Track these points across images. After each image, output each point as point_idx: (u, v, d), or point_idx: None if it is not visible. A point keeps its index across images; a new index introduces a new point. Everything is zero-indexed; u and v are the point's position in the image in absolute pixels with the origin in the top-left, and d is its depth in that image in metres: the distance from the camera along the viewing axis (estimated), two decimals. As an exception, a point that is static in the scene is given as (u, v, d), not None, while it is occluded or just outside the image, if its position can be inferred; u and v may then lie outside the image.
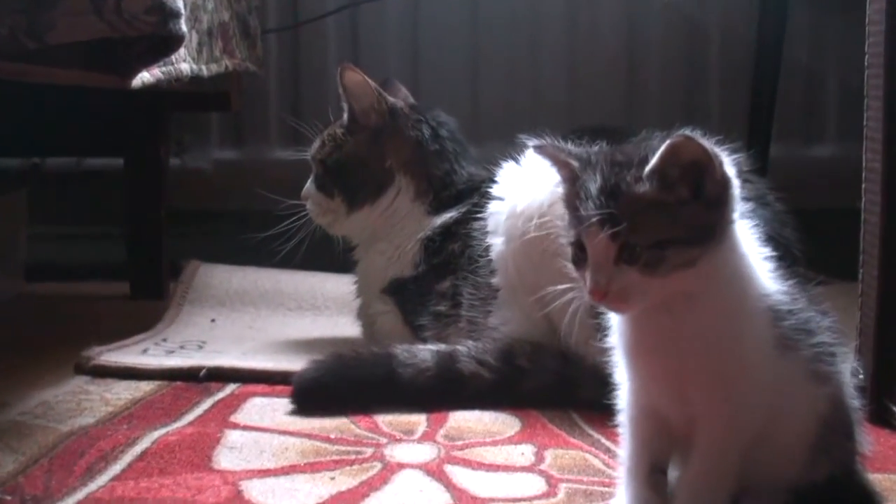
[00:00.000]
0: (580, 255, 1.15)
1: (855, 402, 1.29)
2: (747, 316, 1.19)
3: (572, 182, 1.18)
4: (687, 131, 1.12)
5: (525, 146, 1.21)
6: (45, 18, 1.30)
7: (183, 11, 1.39)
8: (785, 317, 1.21)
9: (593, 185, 1.14)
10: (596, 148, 1.21)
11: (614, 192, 1.13)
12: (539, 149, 1.20)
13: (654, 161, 1.12)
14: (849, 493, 1.27)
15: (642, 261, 1.12)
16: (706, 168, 1.13)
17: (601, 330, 1.27)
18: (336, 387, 1.76)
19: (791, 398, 1.21)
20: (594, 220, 1.12)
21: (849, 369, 1.30)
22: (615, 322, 1.23)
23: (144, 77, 1.74)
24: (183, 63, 1.95)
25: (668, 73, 3.02)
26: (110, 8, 1.31)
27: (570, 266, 1.20)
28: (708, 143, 1.13)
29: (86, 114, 2.61)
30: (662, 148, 1.12)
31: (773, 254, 1.31)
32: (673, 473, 1.29)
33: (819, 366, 1.23)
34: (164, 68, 1.84)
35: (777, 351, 1.19)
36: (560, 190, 1.24)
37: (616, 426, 1.28)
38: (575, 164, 1.18)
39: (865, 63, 1.73)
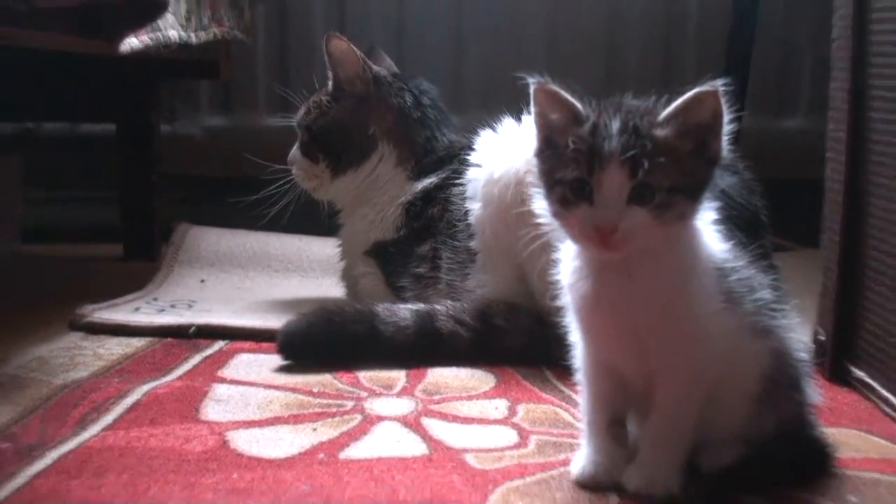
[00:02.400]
0: (576, 196, 1.14)
1: (802, 354, 1.31)
2: (699, 273, 1.21)
3: (570, 125, 1.17)
4: (712, 84, 1.13)
5: (525, 85, 1.19)
6: (35, -17, 1.30)
7: (168, -23, 1.39)
8: (729, 274, 1.23)
9: (613, 125, 1.13)
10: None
11: (635, 132, 1.13)
12: (541, 87, 1.18)
13: (675, 105, 1.14)
14: (801, 443, 1.31)
15: (655, 202, 1.13)
16: (715, 126, 1.15)
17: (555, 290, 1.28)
18: (320, 339, 1.78)
19: (736, 352, 1.23)
20: (616, 157, 1.12)
21: (794, 324, 1.31)
22: (571, 282, 1.23)
23: (133, 43, 1.75)
24: (171, 30, 1.95)
25: (646, 45, 3.03)
26: (97, -26, 1.31)
27: (547, 216, 1.21)
28: (725, 104, 1.14)
29: (79, 80, 2.60)
30: (687, 95, 1.13)
31: (737, 219, 1.34)
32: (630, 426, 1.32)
33: (761, 320, 1.25)
34: (152, 35, 1.84)
35: (724, 306, 1.22)
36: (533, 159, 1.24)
37: (576, 383, 1.31)
38: (579, 106, 1.17)
39: (833, 34, 1.74)
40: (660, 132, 1.14)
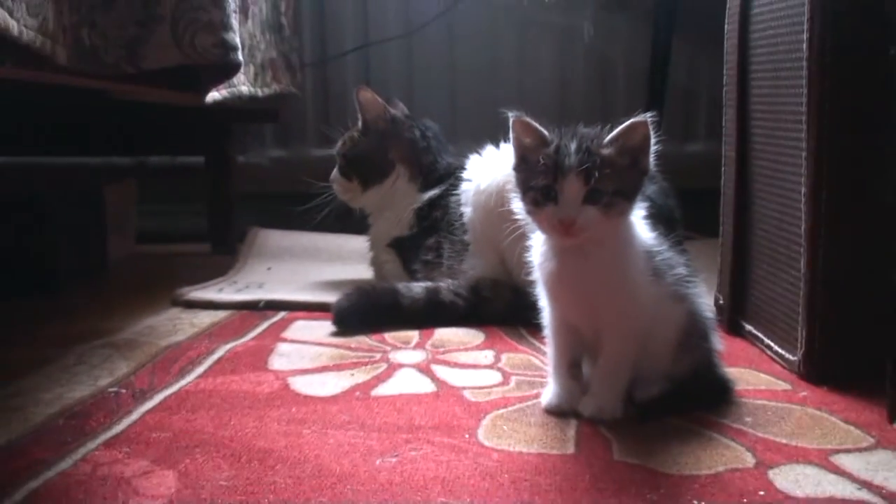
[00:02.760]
0: (545, 198, 1.13)
1: (708, 314, 1.30)
2: (634, 256, 1.20)
3: (539, 146, 1.15)
4: (643, 116, 1.12)
5: (505, 120, 1.17)
6: (140, 51, 1.29)
7: (239, 46, 1.38)
8: (654, 255, 1.22)
9: (571, 146, 1.12)
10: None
11: (588, 152, 1.11)
12: (518, 119, 1.17)
13: (617, 131, 1.13)
14: (709, 379, 1.29)
15: (603, 202, 1.12)
16: (645, 146, 1.14)
17: (528, 269, 1.26)
18: (360, 310, 1.75)
19: (661, 312, 1.22)
20: (574, 169, 1.11)
21: (702, 291, 1.30)
22: (540, 262, 1.22)
23: (216, 96, 1.73)
24: (243, 87, 1.94)
25: (588, 92, 3.00)
26: (187, 43, 1.30)
27: (523, 214, 1.19)
28: (652, 130, 1.13)
29: (178, 125, 2.59)
30: (625, 124, 1.12)
31: (657, 216, 1.33)
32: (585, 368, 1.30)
33: (678, 289, 1.24)
34: (230, 90, 1.83)
35: (651, 279, 1.21)
36: (511, 173, 1.23)
37: (544, 337, 1.30)
38: (545, 132, 1.15)
39: (724, 81, 1.73)
40: (605, 151, 1.13)
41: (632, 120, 1.13)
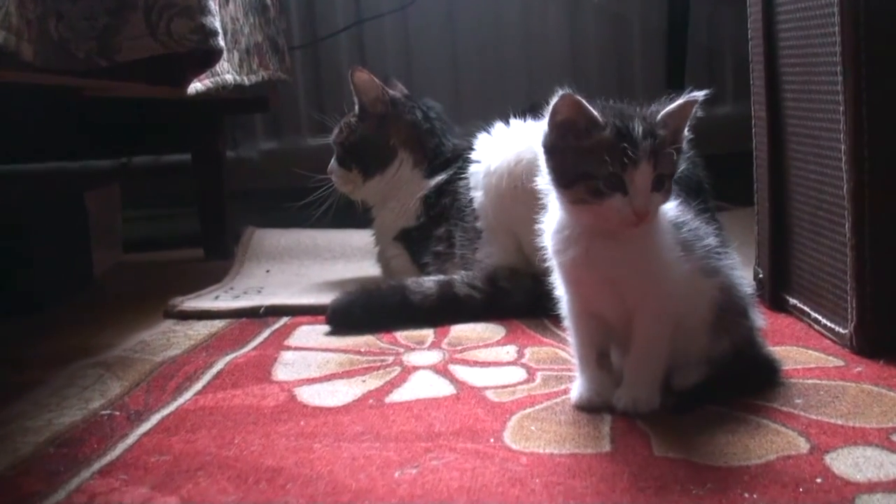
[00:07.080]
0: (608, 188, 1.11)
1: (746, 288, 1.28)
2: (662, 230, 1.20)
3: (589, 129, 1.12)
4: (694, 94, 1.13)
5: (546, 101, 1.14)
6: (112, 42, 1.28)
7: (219, 30, 1.37)
8: (681, 227, 1.22)
9: (636, 131, 1.11)
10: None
11: (652, 135, 1.11)
12: (568, 96, 1.12)
13: (670, 109, 1.13)
14: (753, 360, 1.28)
15: (666, 187, 1.14)
16: (686, 123, 1.15)
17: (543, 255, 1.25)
18: (361, 310, 1.75)
19: (693, 289, 1.21)
20: (646, 156, 1.10)
21: (736, 263, 1.29)
22: (559, 250, 1.21)
23: (197, 87, 1.72)
24: (228, 75, 1.93)
25: (602, 57, 2.98)
26: (162, 31, 1.29)
27: (552, 196, 1.19)
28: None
29: (160, 121, 2.59)
30: (678, 103, 1.13)
31: (685, 187, 1.32)
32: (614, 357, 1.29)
33: (709, 261, 1.23)
34: (213, 79, 1.82)
35: (680, 253, 1.20)
36: (525, 153, 1.21)
37: (566, 328, 1.29)
38: (597, 114, 1.13)
39: (749, 36, 1.72)
40: (661, 132, 1.12)
41: (685, 98, 1.13)
